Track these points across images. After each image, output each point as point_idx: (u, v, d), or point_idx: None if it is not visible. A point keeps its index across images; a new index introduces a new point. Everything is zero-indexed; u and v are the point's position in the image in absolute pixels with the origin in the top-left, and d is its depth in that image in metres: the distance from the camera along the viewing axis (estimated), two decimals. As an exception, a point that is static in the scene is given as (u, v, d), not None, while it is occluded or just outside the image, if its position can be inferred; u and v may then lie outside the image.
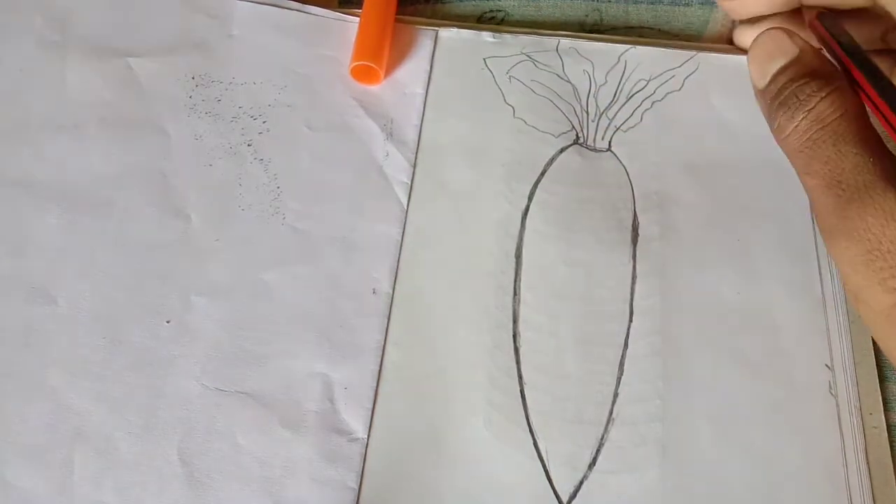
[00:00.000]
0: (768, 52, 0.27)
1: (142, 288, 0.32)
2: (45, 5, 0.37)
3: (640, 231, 0.33)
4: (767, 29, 0.28)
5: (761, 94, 0.28)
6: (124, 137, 0.35)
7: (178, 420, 0.30)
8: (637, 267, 0.32)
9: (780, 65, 0.27)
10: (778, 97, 0.26)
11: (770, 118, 0.27)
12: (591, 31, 0.39)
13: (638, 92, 0.37)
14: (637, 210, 0.34)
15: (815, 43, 0.29)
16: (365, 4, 0.37)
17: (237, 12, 0.38)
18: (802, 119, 0.25)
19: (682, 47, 0.38)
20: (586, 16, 0.40)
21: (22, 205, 0.33)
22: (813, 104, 0.25)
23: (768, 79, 0.27)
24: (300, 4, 0.38)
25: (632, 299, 0.32)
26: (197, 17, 0.37)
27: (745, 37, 0.37)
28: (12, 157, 0.34)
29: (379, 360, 0.31)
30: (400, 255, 0.33)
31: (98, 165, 0.34)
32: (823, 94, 0.25)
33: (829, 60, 0.27)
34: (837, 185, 0.24)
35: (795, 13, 0.33)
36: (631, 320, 0.32)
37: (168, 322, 0.32)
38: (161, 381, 0.31)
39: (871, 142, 0.24)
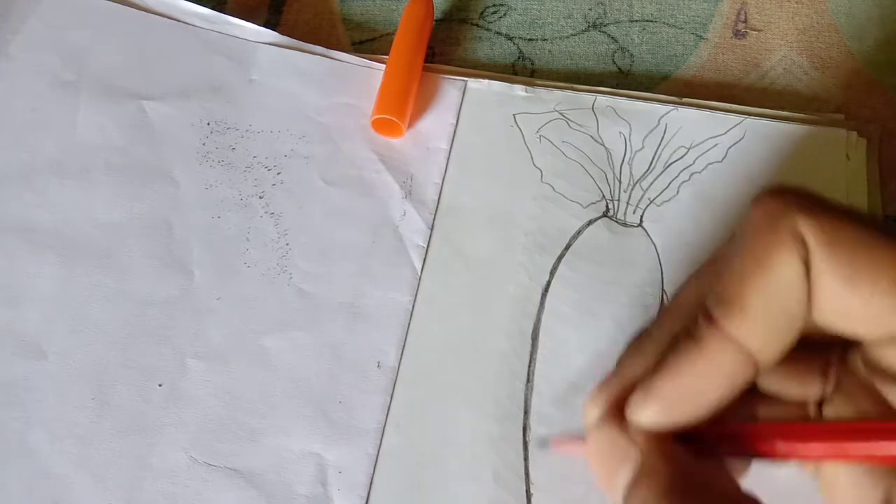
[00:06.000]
0: (606, 459, 0.22)
1: (136, 347, 0.31)
2: (63, 43, 0.36)
3: (667, 322, 0.30)
4: (599, 423, 0.22)
5: None
6: (131, 184, 0.33)
7: (162, 495, 0.28)
8: (662, 363, 0.30)
9: (625, 478, 0.21)
10: None
11: None
12: (595, 26, 0.38)
13: (676, 161, 0.34)
14: (665, 299, 0.31)
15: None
16: (392, 52, 0.36)
17: (259, 55, 0.36)
18: None
19: (729, 111, 0.35)
20: (590, 9, 0.38)
21: (20, 251, 0.32)
22: None
23: (620, 494, 0.21)
24: (325, 49, 0.37)
25: (654, 399, 0.29)
26: (217, 59, 0.36)
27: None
28: (14, 200, 0.33)
29: (378, 443, 0.29)
30: (409, 326, 0.31)
31: (101, 213, 0.33)
32: None
33: (684, 458, 0.21)
34: None
35: None
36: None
37: (160, 385, 0.30)
38: (148, 451, 0.29)
39: None
